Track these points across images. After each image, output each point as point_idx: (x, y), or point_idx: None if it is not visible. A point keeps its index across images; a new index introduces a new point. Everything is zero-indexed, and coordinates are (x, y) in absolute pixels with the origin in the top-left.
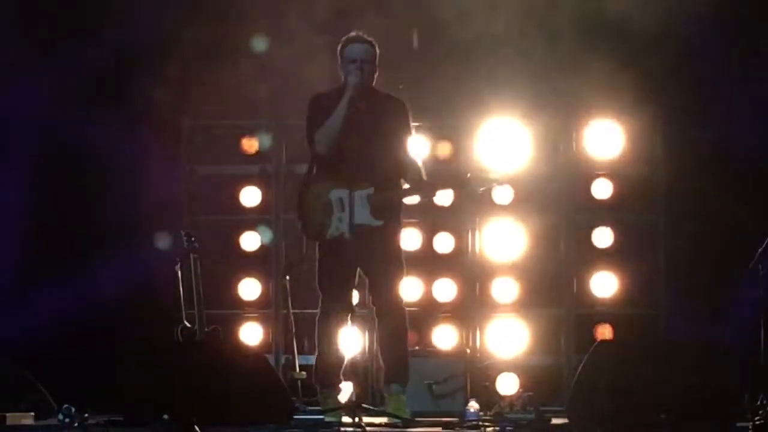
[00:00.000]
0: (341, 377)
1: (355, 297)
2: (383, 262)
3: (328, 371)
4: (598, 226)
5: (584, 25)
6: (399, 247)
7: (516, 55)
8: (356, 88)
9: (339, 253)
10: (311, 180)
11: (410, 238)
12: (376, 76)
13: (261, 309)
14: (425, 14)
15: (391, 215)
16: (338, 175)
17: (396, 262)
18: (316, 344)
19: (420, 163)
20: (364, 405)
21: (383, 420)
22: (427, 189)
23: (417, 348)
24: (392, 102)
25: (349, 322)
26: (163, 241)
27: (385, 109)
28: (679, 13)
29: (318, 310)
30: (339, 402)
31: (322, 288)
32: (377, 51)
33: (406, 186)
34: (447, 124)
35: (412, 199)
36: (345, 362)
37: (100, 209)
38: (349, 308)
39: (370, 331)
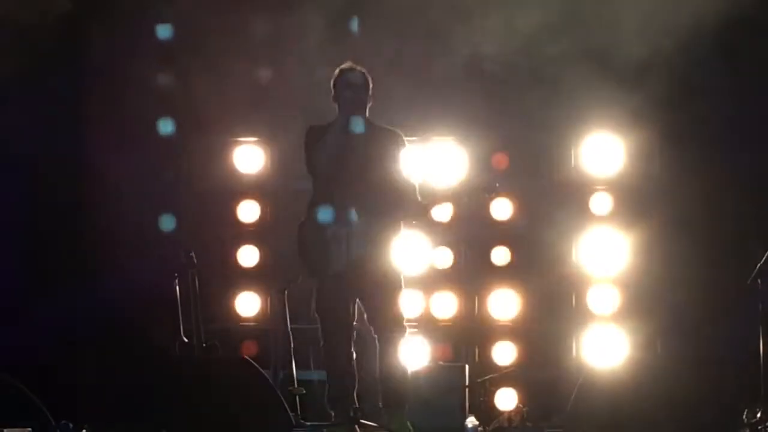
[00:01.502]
0: (353, 396)
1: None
2: (380, 288)
3: (339, 394)
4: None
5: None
6: (396, 271)
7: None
8: (349, 121)
9: (338, 286)
10: (310, 222)
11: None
12: (369, 106)
13: (259, 324)
14: (444, 40)
15: (387, 242)
16: (334, 208)
17: (392, 287)
18: (326, 369)
19: (416, 187)
20: (363, 421)
21: None
22: (420, 210)
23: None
24: (386, 132)
25: (351, 344)
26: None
27: (379, 139)
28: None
29: (319, 334)
30: (346, 419)
31: (321, 317)
32: (370, 81)
33: (400, 212)
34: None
35: (409, 223)
36: (356, 384)
37: (97, 224)
38: (350, 326)
39: (370, 349)
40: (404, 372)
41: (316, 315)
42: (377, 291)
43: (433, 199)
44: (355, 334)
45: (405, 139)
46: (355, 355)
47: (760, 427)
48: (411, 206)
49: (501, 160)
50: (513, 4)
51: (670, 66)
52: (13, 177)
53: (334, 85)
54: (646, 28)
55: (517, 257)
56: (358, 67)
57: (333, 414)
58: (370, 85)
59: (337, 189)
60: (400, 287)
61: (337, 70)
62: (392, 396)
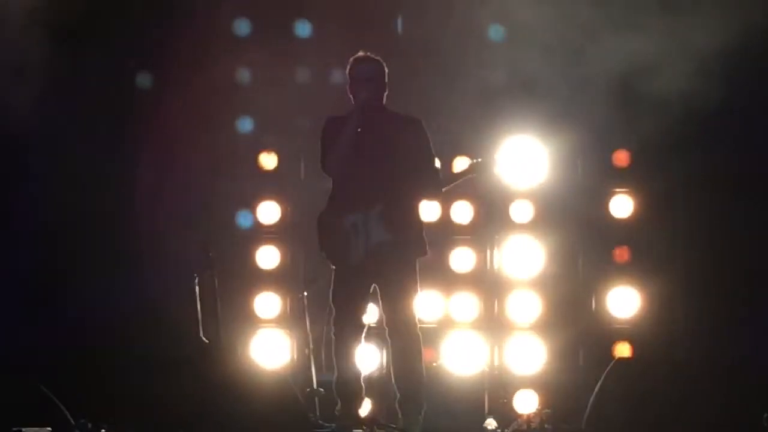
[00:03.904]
0: (362, 394)
1: (374, 314)
2: (397, 276)
3: (347, 388)
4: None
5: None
6: (413, 263)
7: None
8: (366, 107)
9: (356, 274)
10: (328, 211)
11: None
12: (386, 94)
13: (279, 325)
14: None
15: (405, 230)
16: (353, 197)
17: (409, 278)
18: (334, 362)
19: (437, 168)
20: (381, 422)
21: None
22: (438, 189)
23: (434, 364)
24: (404, 119)
25: (363, 339)
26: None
27: (397, 127)
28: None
29: (332, 328)
30: (357, 418)
31: (336, 305)
32: (386, 69)
33: (418, 193)
34: (469, 141)
35: (431, 208)
36: (363, 379)
37: (119, 224)
38: (362, 326)
39: (386, 348)
40: (420, 369)
41: (332, 304)
42: (394, 282)
43: (456, 174)
44: (369, 328)
45: (423, 124)
46: (370, 352)
47: None
48: (429, 185)
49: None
50: None
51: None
52: (57, 184)
53: (350, 75)
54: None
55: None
56: (373, 56)
57: (339, 405)
58: (386, 74)
59: (356, 177)
60: (416, 284)
61: (351, 60)
62: (408, 393)
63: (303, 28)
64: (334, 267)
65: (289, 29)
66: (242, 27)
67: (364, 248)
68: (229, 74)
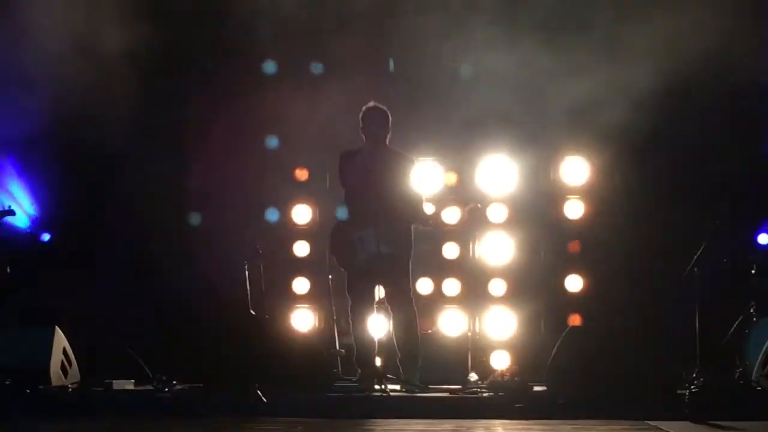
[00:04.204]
0: (374, 356)
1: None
2: (395, 277)
3: (365, 355)
4: (570, 238)
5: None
6: (407, 265)
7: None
8: (372, 147)
9: (362, 276)
10: (340, 226)
11: (425, 246)
12: (389, 137)
13: (310, 301)
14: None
15: (399, 243)
16: (361, 216)
17: (405, 277)
18: (353, 336)
19: (423, 199)
20: (388, 375)
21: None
22: (426, 219)
23: (429, 331)
24: (400, 156)
25: (374, 315)
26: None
27: (395, 162)
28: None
29: (350, 313)
30: (374, 375)
31: (351, 297)
32: (390, 117)
33: (411, 219)
34: (454, 160)
35: (418, 226)
36: (376, 347)
37: (187, 226)
38: (372, 310)
39: (390, 321)
40: (416, 337)
41: (348, 295)
42: (393, 279)
43: (434, 213)
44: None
45: (415, 160)
46: (378, 323)
47: (694, 383)
48: (418, 215)
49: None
50: None
51: None
52: (141, 194)
53: (362, 119)
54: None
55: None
56: (381, 106)
57: (360, 370)
58: (390, 121)
59: (363, 200)
60: (409, 279)
61: (364, 108)
62: (408, 356)
63: (317, 67)
64: (343, 270)
65: (306, 69)
66: (269, 67)
67: (366, 258)
68: (260, 103)
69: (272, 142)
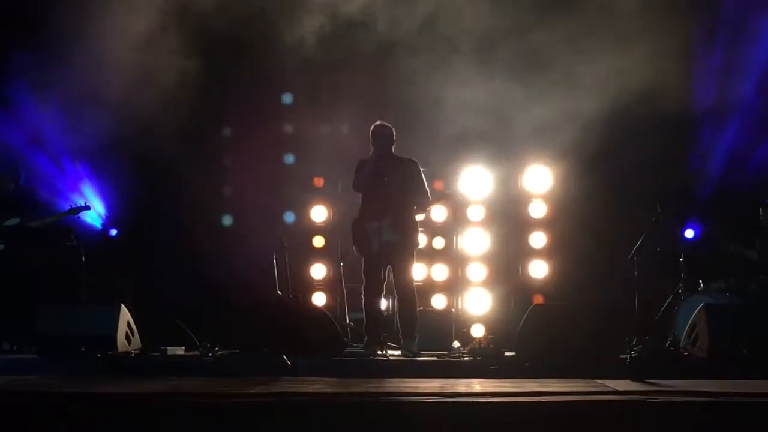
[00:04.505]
0: (381, 328)
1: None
2: (401, 262)
3: (373, 326)
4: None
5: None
6: (412, 252)
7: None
8: (381, 155)
9: (375, 260)
10: (358, 219)
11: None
12: (393, 147)
13: (325, 284)
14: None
15: (405, 231)
16: (373, 211)
17: (409, 261)
18: (364, 310)
19: (428, 191)
20: (389, 343)
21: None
22: (426, 207)
23: (421, 308)
24: (405, 161)
25: (382, 293)
26: None
27: (400, 167)
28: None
29: (362, 289)
30: (378, 343)
31: (365, 278)
32: (394, 132)
33: (415, 210)
34: (441, 170)
35: (421, 216)
36: (383, 319)
37: (225, 224)
38: (382, 290)
39: (394, 300)
40: (415, 313)
41: (363, 277)
42: (400, 263)
43: (436, 199)
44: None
45: (418, 163)
46: (387, 302)
47: (633, 349)
48: (421, 206)
49: None
50: None
51: None
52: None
53: (372, 134)
54: None
55: (488, 245)
56: (386, 123)
57: (367, 337)
58: (394, 134)
59: (375, 199)
60: (413, 263)
61: (372, 126)
62: (407, 328)
63: (286, 98)
64: (362, 256)
65: (315, 99)
66: (287, 98)
67: (379, 244)
68: (279, 127)
69: (289, 158)
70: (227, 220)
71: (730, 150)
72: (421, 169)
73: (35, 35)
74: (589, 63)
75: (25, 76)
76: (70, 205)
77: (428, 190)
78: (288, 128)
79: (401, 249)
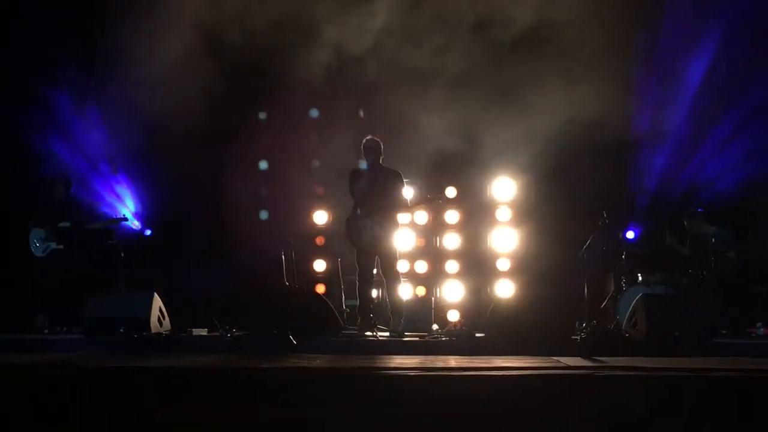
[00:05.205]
0: (371, 311)
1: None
2: (387, 252)
3: (365, 309)
4: (501, 233)
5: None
6: (394, 245)
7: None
8: (371, 166)
9: (367, 251)
10: (352, 218)
11: (405, 239)
12: (382, 158)
13: (325, 276)
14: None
15: (390, 229)
16: (364, 211)
17: (393, 254)
18: (358, 296)
19: (407, 201)
20: (379, 326)
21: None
22: (406, 210)
23: (406, 298)
24: (391, 172)
25: (373, 281)
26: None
27: (387, 176)
28: None
29: (356, 278)
30: (369, 325)
31: (359, 266)
32: (381, 146)
33: (397, 212)
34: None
35: (403, 218)
36: (373, 304)
37: (243, 225)
38: (373, 276)
39: (383, 287)
40: (401, 300)
41: (357, 265)
42: (386, 256)
43: (418, 203)
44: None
45: (401, 174)
46: (378, 291)
47: (583, 331)
48: (401, 210)
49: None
50: None
51: None
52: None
53: (363, 147)
54: None
55: (462, 244)
56: (375, 138)
57: (360, 319)
58: (382, 147)
59: (365, 202)
60: (397, 255)
61: (364, 140)
62: (395, 312)
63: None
64: (354, 248)
65: (332, 115)
66: (313, 113)
67: (368, 238)
68: (306, 141)
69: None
70: (264, 215)
71: (662, 168)
72: (404, 180)
73: (82, 52)
74: (548, 94)
75: (71, 89)
76: (112, 216)
77: (405, 198)
78: (312, 140)
79: (386, 242)
